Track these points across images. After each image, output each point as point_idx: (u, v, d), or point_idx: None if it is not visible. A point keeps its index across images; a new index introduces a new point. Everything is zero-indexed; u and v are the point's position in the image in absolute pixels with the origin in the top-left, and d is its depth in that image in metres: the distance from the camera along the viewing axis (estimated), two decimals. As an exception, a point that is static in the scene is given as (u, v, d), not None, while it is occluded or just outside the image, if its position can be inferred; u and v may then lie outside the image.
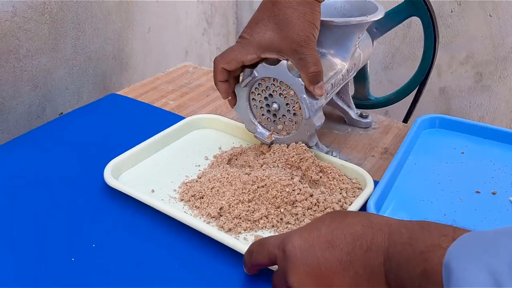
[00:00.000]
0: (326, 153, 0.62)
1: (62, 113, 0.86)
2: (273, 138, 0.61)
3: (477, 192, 0.59)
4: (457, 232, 0.31)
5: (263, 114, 0.61)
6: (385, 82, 1.18)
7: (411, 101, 0.78)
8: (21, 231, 0.50)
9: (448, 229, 0.32)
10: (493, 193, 0.58)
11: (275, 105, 0.59)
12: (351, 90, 0.76)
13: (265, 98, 0.59)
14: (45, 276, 0.45)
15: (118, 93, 0.79)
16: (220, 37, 1.35)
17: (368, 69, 0.75)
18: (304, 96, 0.56)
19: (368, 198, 0.54)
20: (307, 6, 0.53)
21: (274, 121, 0.61)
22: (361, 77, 0.76)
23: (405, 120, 0.80)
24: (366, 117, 0.71)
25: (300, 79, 0.55)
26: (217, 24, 1.32)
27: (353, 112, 0.71)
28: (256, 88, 0.59)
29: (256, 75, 0.57)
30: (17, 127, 0.82)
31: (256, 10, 0.56)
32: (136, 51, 1.03)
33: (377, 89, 1.17)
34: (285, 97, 0.58)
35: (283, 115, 0.60)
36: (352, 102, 0.71)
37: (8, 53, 0.76)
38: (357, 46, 0.64)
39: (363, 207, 0.53)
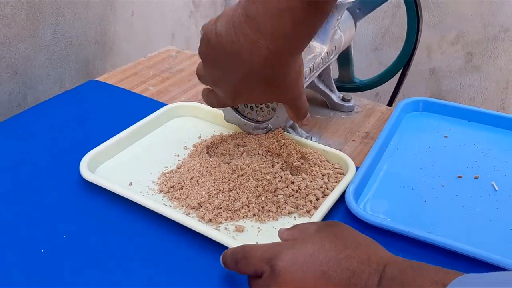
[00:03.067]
0: (306, 138, 0.61)
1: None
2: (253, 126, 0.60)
3: (459, 177, 0.58)
4: (449, 278, 0.31)
5: (240, 101, 0.60)
6: (375, 63, 1.16)
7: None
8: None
9: (440, 274, 0.32)
10: (476, 178, 0.58)
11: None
12: (335, 74, 0.74)
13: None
14: (13, 267, 0.45)
15: (98, 79, 0.78)
16: (208, 19, 1.32)
17: (352, 51, 0.73)
18: None
19: (350, 183, 0.53)
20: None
21: (250, 107, 0.59)
22: (345, 60, 0.74)
23: (390, 103, 0.79)
24: (348, 100, 0.70)
25: None
26: (205, 6, 1.29)
27: (336, 96, 0.70)
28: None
29: None
30: (-2, 115, 0.81)
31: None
32: (120, 36, 1.01)
33: (367, 71, 1.15)
34: (261, 83, 0.56)
35: (260, 102, 0.58)
36: (334, 86, 0.70)
37: (-16, 40, 0.74)
38: (336, 28, 0.62)
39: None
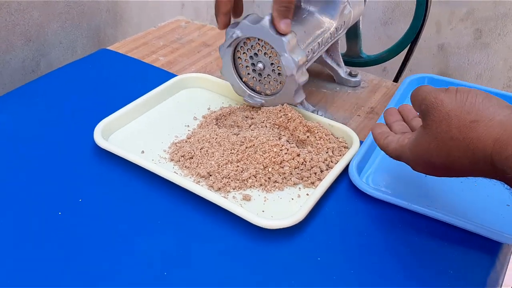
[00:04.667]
0: (312, 112, 0.62)
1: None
2: (263, 101, 0.62)
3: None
4: None
5: (248, 73, 0.61)
6: (384, 38, 1.17)
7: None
8: (7, 184, 0.52)
9: None
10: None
11: (260, 65, 0.59)
12: (342, 48, 0.75)
13: (250, 57, 0.59)
14: (32, 228, 0.47)
15: (109, 48, 0.79)
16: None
17: (360, 26, 0.74)
18: (286, 54, 0.56)
19: (353, 157, 0.55)
20: None
21: (259, 80, 0.61)
22: (353, 34, 0.75)
23: (396, 79, 0.80)
24: (355, 75, 0.71)
25: (282, 38, 0.55)
26: (215, -25, 1.29)
27: (343, 71, 0.71)
28: (241, 47, 0.59)
29: (239, 35, 0.57)
30: (12, 81, 0.82)
31: None
32: (131, 4, 1.01)
33: (376, 45, 1.15)
34: (270, 56, 0.58)
35: (268, 75, 0.60)
36: (342, 61, 0.71)
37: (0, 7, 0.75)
38: (346, 3, 0.63)
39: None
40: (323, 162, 0.55)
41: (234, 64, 0.61)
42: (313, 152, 0.56)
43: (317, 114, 0.62)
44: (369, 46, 0.78)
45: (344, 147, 0.58)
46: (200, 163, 0.55)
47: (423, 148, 0.42)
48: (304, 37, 0.58)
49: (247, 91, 0.62)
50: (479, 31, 1.06)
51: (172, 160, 0.56)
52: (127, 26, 1.02)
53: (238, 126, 0.60)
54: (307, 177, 0.54)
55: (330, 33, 0.63)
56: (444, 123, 0.39)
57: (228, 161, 0.54)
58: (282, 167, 0.54)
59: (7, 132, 0.59)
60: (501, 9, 1.01)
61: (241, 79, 0.62)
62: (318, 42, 0.61)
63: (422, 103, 0.42)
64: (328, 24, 0.62)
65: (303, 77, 0.58)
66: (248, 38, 0.58)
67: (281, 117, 0.59)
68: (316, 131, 0.58)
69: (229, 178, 0.53)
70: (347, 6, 0.65)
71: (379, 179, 0.55)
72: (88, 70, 0.73)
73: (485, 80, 1.10)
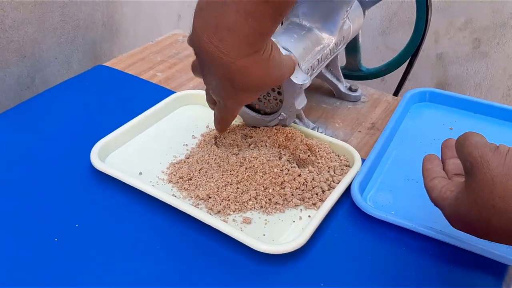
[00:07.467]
0: (312, 129, 0.61)
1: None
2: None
3: (463, 170, 0.58)
4: None
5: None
6: (382, 47, 1.16)
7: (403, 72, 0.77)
8: (2, 208, 0.51)
9: None
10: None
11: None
12: (342, 61, 0.74)
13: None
14: (28, 256, 0.46)
15: (106, 64, 0.78)
16: None
17: (359, 39, 0.73)
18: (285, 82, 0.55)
19: (355, 176, 0.54)
20: None
21: (259, 99, 0.60)
22: (352, 48, 0.74)
23: (396, 93, 0.79)
24: (355, 90, 0.70)
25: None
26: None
27: (342, 86, 0.70)
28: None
29: None
30: (7, 98, 0.81)
31: None
32: (127, 17, 1.01)
33: (373, 55, 1.15)
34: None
35: (268, 93, 0.59)
36: (342, 75, 0.70)
37: (-7, 24, 0.74)
38: (345, 19, 0.62)
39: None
40: (325, 182, 0.54)
41: None
42: (314, 172, 0.55)
43: (317, 131, 0.61)
44: (367, 56, 0.77)
45: (346, 166, 0.57)
46: (199, 184, 0.54)
47: (463, 209, 0.38)
48: (303, 54, 0.57)
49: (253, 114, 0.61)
50: (478, 40, 1.06)
51: (170, 181, 0.55)
52: (124, 39, 1.01)
53: (237, 146, 0.59)
54: (308, 198, 0.53)
55: (330, 49, 0.62)
56: (487, 189, 0.35)
57: (228, 182, 0.53)
58: (283, 188, 0.53)
59: (0, 153, 0.58)
60: (499, 18, 1.01)
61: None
62: (318, 59, 0.60)
63: (467, 158, 0.37)
64: (328, 40, 0.61)
65: (302, 103, 0.58)
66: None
67: (281, 136, 0.58)
68: (317, 150, 0.57)
69: (229, 200, 0.52)
70: (347, 21, 0.64)
71: (382, 199, 0.54)
72: (85, 87, 0.72)
73: (484, 89, 1.10)
